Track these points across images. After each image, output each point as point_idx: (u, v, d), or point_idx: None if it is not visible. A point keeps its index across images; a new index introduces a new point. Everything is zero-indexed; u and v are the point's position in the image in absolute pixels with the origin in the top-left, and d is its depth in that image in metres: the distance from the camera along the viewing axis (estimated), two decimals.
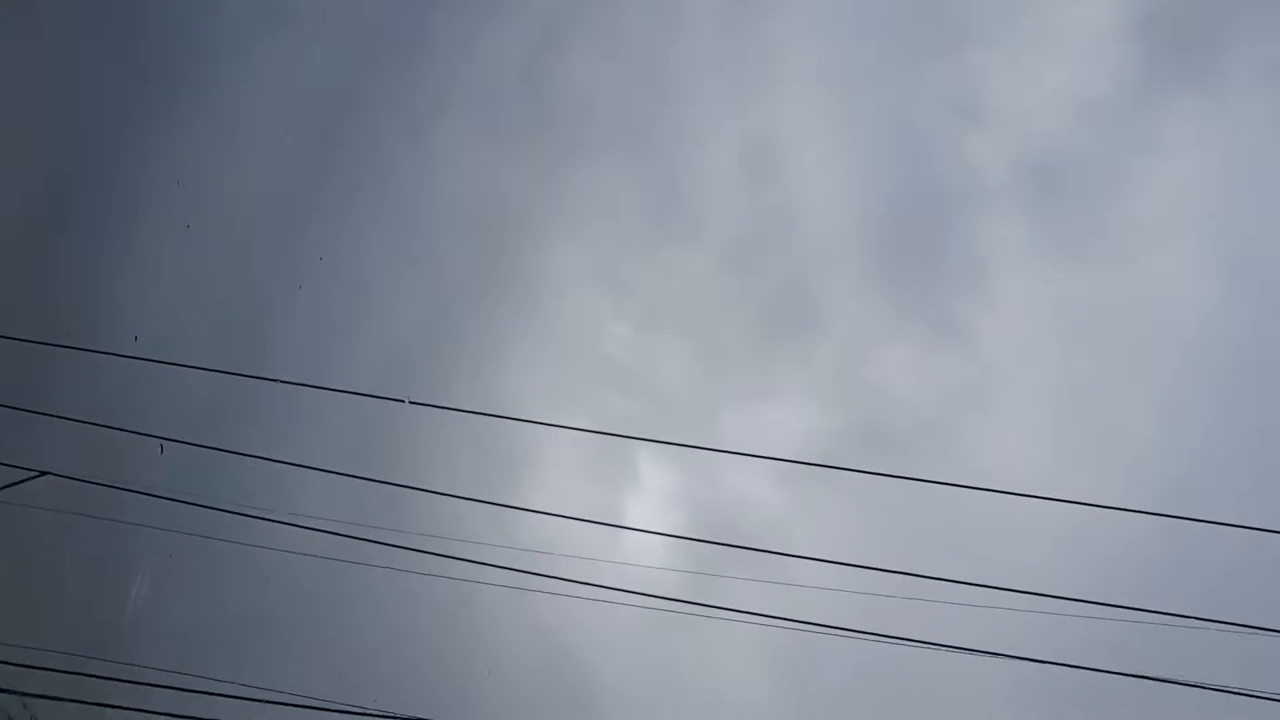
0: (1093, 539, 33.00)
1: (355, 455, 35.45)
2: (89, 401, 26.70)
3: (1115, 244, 46.26)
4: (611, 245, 51.32)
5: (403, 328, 46.21)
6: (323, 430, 35.37)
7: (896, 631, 15.98)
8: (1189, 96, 44.76)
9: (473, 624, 41.00)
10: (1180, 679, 14.80)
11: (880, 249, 49.97)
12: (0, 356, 23.09)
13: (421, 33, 45.87)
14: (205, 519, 18.39)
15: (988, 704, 36.99)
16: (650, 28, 49.62)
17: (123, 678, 15.65)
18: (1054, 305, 47.51)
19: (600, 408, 49.16)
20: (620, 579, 18.18)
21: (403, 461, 37.81)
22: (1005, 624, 16.62)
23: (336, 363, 42.65)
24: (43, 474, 18.25)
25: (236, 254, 39.73)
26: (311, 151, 42.86)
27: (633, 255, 51.77)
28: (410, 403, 19.22)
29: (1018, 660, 15.66)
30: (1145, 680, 14.98)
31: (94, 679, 15.53)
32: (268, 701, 15.44)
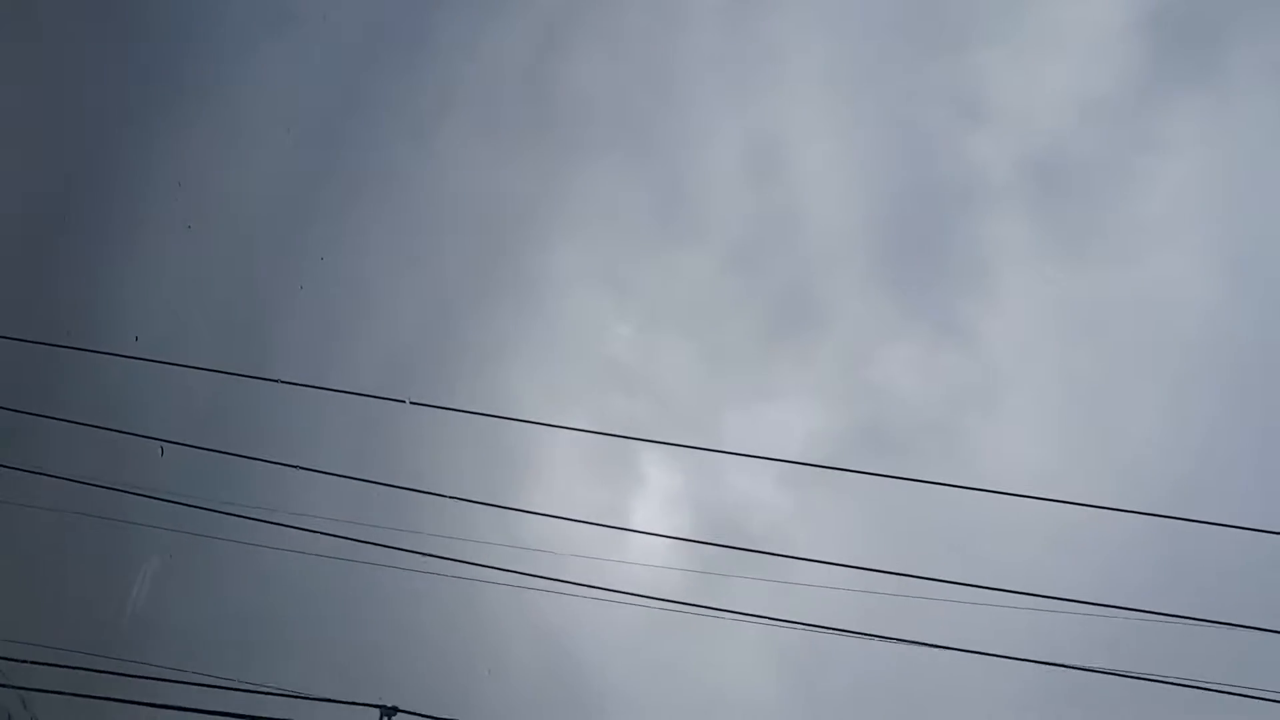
0: (1095, 539, 32.94)
1: (357, 455, 35.44)
2: (90, 401, 26.68)
3: (1118, 243, 46.21)
4: (614, 245, 51.33)
5: (405, 328, 46.20)
6: (325, 430, 35.34)
7: (900, 633, 15.95)
8: (1192, 96, 44.73)
9: (475, 624, 40.98)
10: (1182, 679, 14.75)
11: (883, 249, 49.96)
12: (1, 356, 23.06)
13: (423, 33, 45.86)
14: (207, 518, 18.35)
15: (992, 705, 36.91)
16: (653, 28, 49.63)
17: (124, 672, 15.61)
18: (1057, 305, 47.48)
19: (603, 408, 49.16)
20: (624, 580, 18.16)
21: (405, 462, 37.79)
22: (1008, 624, 16.58)
23: (338, 363, 42.64)
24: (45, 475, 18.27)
25: (237, 254, 39.73)
26: (312, 152, 42.87)
27: (635, 255, 51.79)
28: (410, 403, 19.16)
29: (1021, 661, 15.61)
30: (1148, 681, 14.93)
31: (94, 679, 15.52)
32: (268, 693, 15.40)
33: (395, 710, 14.73)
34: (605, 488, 47.14)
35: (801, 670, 41.67)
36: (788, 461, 26.59)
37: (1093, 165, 46.83)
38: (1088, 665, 15.50)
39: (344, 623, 38.84)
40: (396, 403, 19.77)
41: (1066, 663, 15.57)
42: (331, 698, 15.68)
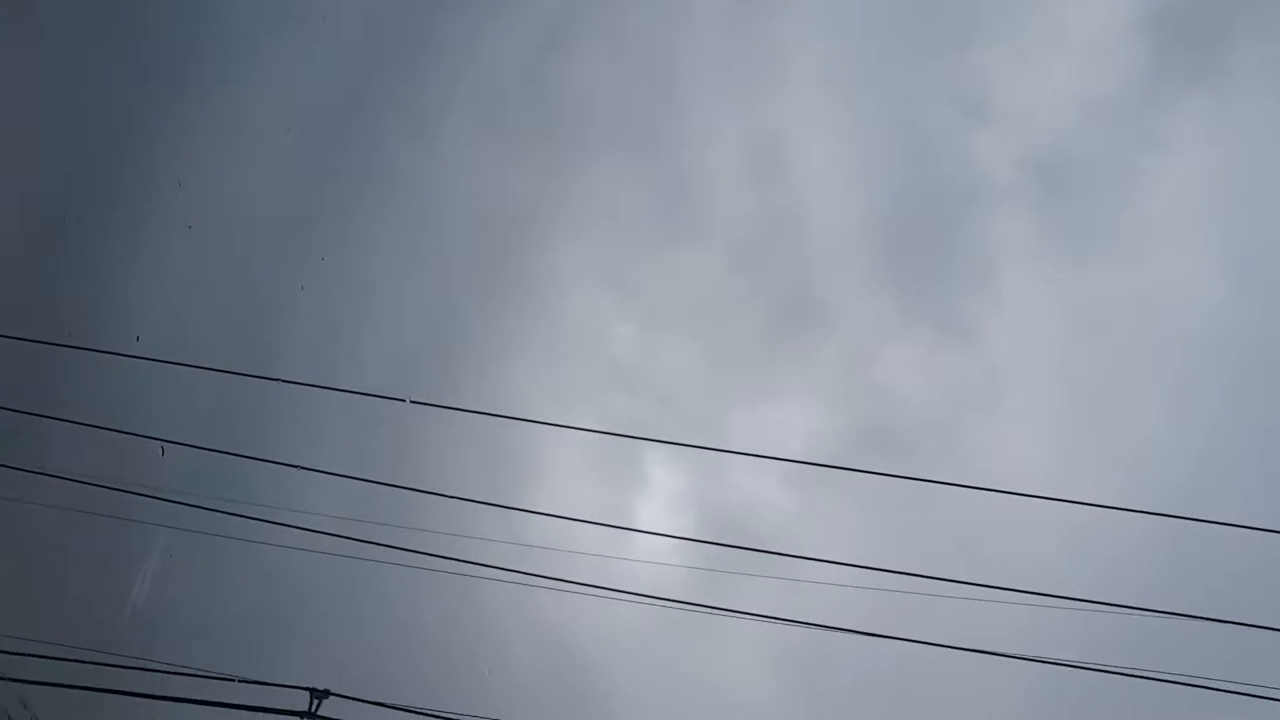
0: (1098, 539, 32.89)
1: (361, 455, 35.42)
2: (92, 401, 26.64)
3: (1121, 243, 46.16)
4: (617, 245, 51.31)
5: (408, 328, 46.18)
6: (327, 430, 35.32)
7: (904, 633, 15.90)
8: (1195, 95, 44.67)
9: (477, 623, 40.94)
10: (1185, 678, 14.69)
11: (886, 249, 49.93)
12: (2, 356, 23.03)
13: (426, 33, 45.84)
14: (208, 517, 18.33)
15: (995, 706, 36.85)
16: (656, 28, 49.61)
17: (119, 665, 15.59)
18: (1060, 304, 47.44)
19: (606, 408, 49.11)
20: (627, 581, 18.11)
21: (408, 462, 37.75)
22: (1011, 625, 16.53)
23: (341, 364, 42.61)
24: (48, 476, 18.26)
25: (239, 254, 39.70)
26: (314, 152, 42.85)
27: (638, 256, 51.77)
28: (411, 402, 19.12)
29: (1024, 661, 15.56)
30: (1153, 680, 14.87)
31: (94, 678, 15.50)
32: (270, 684, 15.39)
33: (327, 693, 14.68)
34: (608, 488, 47.12)
35: (804, 670, 41.64)
36: (793, 461, 26.55)
37: (1095, 165, 46.82)
38: (1092, 665, 15.46)
39: (346, 621, 38.82)
40: (399, 403, 19.74)
41: (1071, 662, 15.52)
42: (263, 680, 15.63)
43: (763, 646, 40.43)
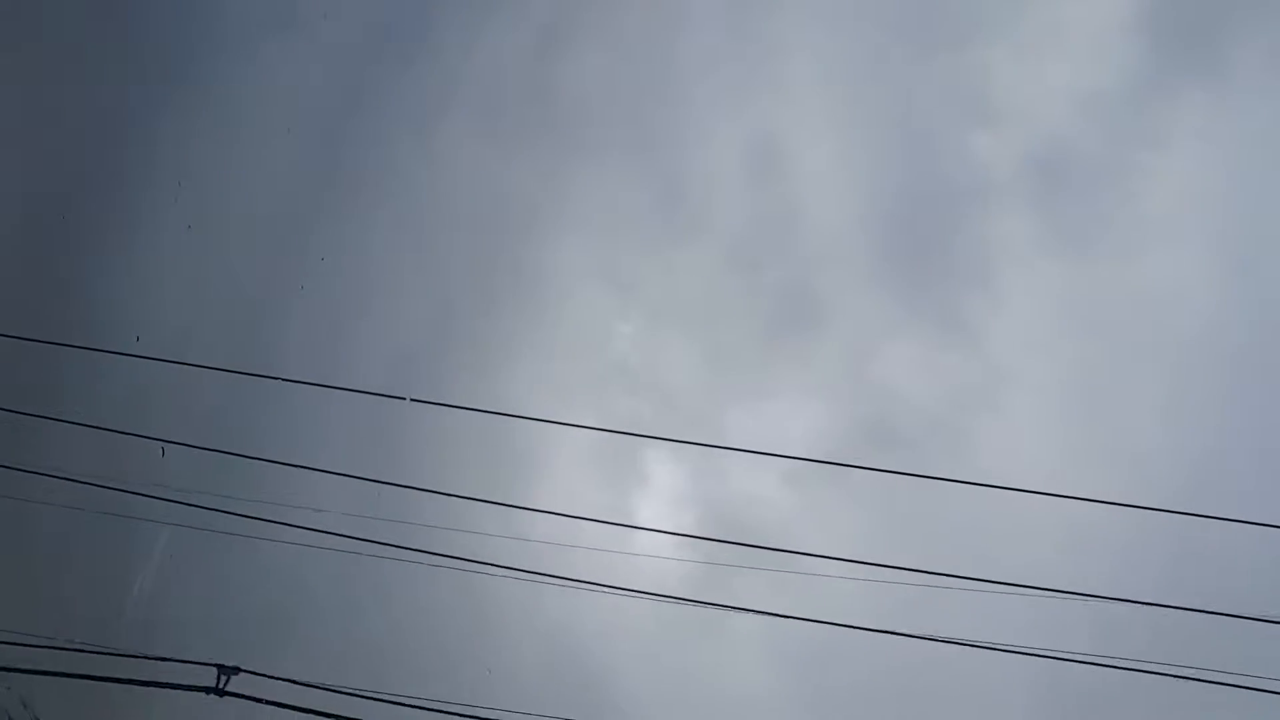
0: (1099, 536, 32.89)
1: (363, 454, 35.46)
2: (92, 401, 26.67)
3: (1121, 239, 46.19)
4: (617, 244, 51.34)
5: (408, 327, 46.20)
6: (330, 429, 35.37)
7: (906, 630, 15.91)
8: (1194, 92, 44.70)
9: (479, 622, 40.95)
10: (1186, 672, 14.69)
11: (886, 246, 49.95)
12: (2, 356, 23.05)
13: (425, 33, 45.87)
14: (210, 514, 18.34)
15: (998, 703, 36.90)
16: (654, 27, 49.63)
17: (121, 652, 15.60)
18: (1059, 301, 47.45)
19: (607, 407, 49.14)
20: (629, 578, 18.10)
21: (410, 460, 37.76)
22: (1013, 621, 16.55)
23: (342, 363, 42.66)
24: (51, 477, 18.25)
25: (238, 254, 39.74)
26: (314, 151, 42.88)
27: (638, 254, 51.79)
28: (411, 400, 19.11)
29: (1026, 656, 15.57)
30: (1155, 675, 14.87)
31: (95, 675, 15.49)
32: (176, 660, 15.35)
33: (237, 669, 14.66)
34: (609, 486, 47.17)
35: (807, 668, 41.65)
36: (796, 458, 26.53)
37: (1095, 162, 46.85)
38: (1094, 660, 15.45)
39: (347, 620, 38.87)
40: (400, 401, 19.74)
41: (1073, 658, 15.51)
42: (168, 656, 15.60)
43: (765, 645, 40.50)
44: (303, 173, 42.41)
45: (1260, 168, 44.09)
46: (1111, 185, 46.39)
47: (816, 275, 50.33)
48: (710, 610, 17.56)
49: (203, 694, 14.56)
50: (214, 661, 14.76)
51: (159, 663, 15.58)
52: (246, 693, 14.61)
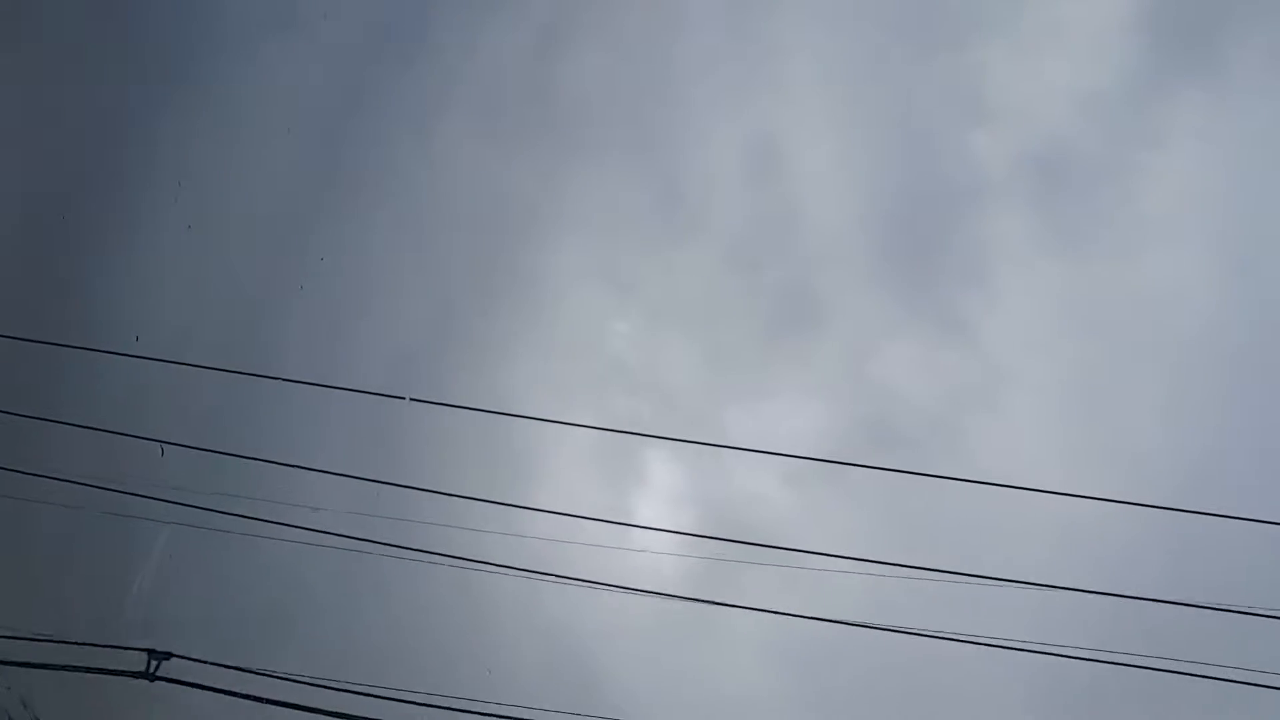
0: (1098, 535, 32.91)
1: (362, 453, 35.47)
2: (92, 400, 26.69)
3: (1120, 239, 46.17)
4: (615, 244, 51.29)
5: (406, 328, 46.20)
6: (330, 428, 35.37)
7: (908, 627, 15.94)
8: (1193, 90, 44.67)
9: (478, 622, 40.95)
10: (1186, 669, 14.72)
11: (885, 246, 49.91)
12: (2, 356, 23.07)
13: (423, 32, 45.89)
14: (209, 513, 18.37)
15: (996, 702, 36.91)
16: (653, 26, 49.61)
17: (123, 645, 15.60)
18: (1059, 301, 47.40)
19: (606, 407, 49.10)
20: (628, 577, 18.14)
21: (410, 459, 37.77)
22: (1012, 621, 16.57)
23: (340, 363, 42.66)
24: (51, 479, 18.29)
25: (238, 254, 39.76)
26: (313, 151, 42.89)
27: (637, 254, 51.73)
28: (410, 400, 19.16)
29: (1027, 655, 15.60)
30: (1154, 672, 14.91)
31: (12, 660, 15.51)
32: (105, 645, 15.35)
33: (169, 655, 14.61)
34: (608, 485, 47.14)
35: (806, 668, 41.64)
36: (796, 457, 26.49)
37: (1094, 161, 46.82)
38: (1095, 657, 15.48)
39: (347, 619, 38.87)
40: (400, 401, 19.77)
41: (1074, 655, 15.55)
42: (98, 642, 15.57)
43: (765, 645, 40.48)
44: (303, 173, 42.45)
45: (1260, 167, 44.09)
46: (1111, 185, 46.39)
47: (816, 275, 50.33)
48: (710, 610, 17.61)
49: (133, 679, 14.50)
50: (145, 646, 14.69)
51: (92, 648, 15.50)
52: (179, 677, 14.58)
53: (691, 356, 51.26)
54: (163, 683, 14.60)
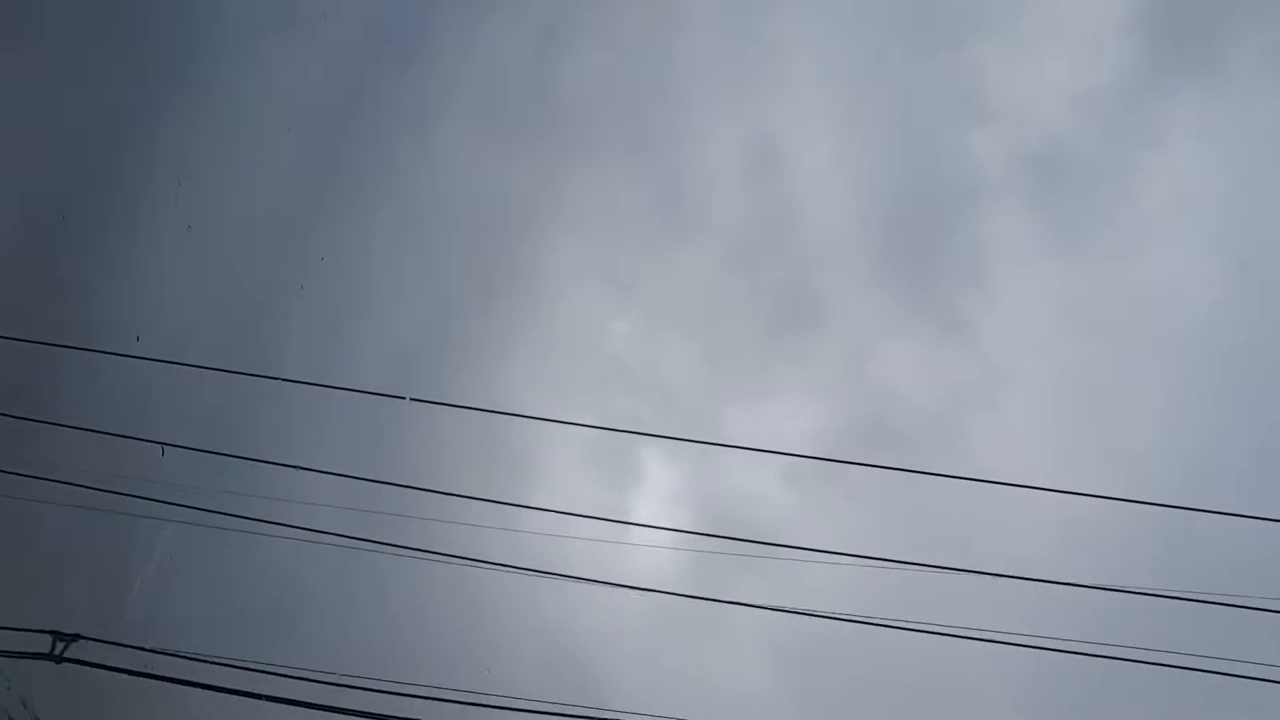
0: (1096, 533, 32.95)
1: (362, 453, 35.52)
2: (92, 400, 26.74)
3: (1118, 238, 46.21)
4: (615, 244, 51.34)
5: (406, 327, 46.25)
6: (330, 428, 35.41)
7: (904, 624, 15.96)
8: (1191, 90, 44.72)
9: (477, 621, 40.99)
10: (1182, 665, 14.74)
11: (884, 246, 49.96)
12: (2, 357, 23.10)
13: (423, 32, 45.92)
14: (210, 513, 18.39)
15: (993, 701, 36.94)
16: (653, 26, 49.65)
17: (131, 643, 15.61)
18: (1057, 300, 47.46)
19: (605, 406, 49.14)
20: (627, 576, 18.16)
21: (409, 459, 37.82)
22: (1009, 618, 16.60)
23: (340, 362, 42.71)
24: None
25: (238, 254, 39.80)
26: (313, 151, 42.93)
27: (636, 253, 51.78)
28: (410, 400, 19.16)
29: (1024, 651, 15.62)
30: (1151, 667, 14.93)
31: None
32: (8, 628, 15.33)
33: (76, 636, 14.54)
34: (606, 485, 47.19)
35: (801, 666, 41.67)
36: (795, 455, 26.55)
37: (1092, 160, 46.87)
38: (1095, 652, 15.51)
39: (343, 619, 38.91)
40: (399, 401, 19.78)
41: (1072, 649, 15.57)
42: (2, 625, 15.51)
43: (763, 643, 40.51)
44: (303, 173, 42.49)
45: (1258, 167, 44.13)
46: (1109, 184, 46.43)
47: (816, 275, 50.37)
48: (709, 609, 17.63)
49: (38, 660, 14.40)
50: (50, 629, 14.62)
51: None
52: (87, 659, 14.49)
53: (691, 356, 51.31)
54: (67, 662, 14.49)
